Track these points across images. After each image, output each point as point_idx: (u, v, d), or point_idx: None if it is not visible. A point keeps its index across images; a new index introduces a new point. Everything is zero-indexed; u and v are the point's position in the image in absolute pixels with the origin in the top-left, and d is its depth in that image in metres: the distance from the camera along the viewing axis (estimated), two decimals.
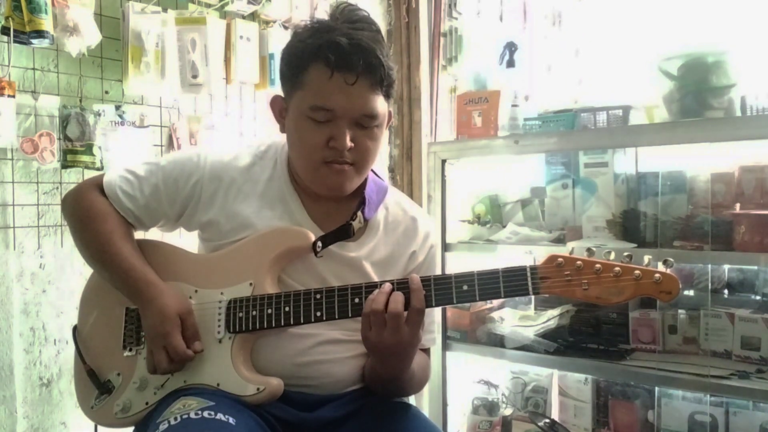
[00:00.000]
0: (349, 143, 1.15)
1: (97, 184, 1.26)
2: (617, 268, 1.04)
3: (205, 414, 1.03)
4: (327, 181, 1.19)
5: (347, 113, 1.14)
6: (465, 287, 1.09)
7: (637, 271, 1.03)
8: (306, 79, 1.15)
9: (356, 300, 1.11)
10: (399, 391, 1.25)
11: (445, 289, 1.10)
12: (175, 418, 1.02)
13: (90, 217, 1.24)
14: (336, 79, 1.12)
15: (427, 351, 1.35)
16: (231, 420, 1.03)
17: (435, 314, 1.38)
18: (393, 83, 1.20)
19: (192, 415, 1.02)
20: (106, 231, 1.22)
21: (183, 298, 1.18)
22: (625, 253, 1.06)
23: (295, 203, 1.25)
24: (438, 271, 1.37)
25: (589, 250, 1.07)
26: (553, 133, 2.08)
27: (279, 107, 1.25)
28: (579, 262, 1.06)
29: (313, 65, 1.14)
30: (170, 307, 1.14)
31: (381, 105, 1.18)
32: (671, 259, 1.04)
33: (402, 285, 1.10)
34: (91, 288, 1.31)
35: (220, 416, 1.03)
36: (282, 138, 1.29)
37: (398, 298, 1.08)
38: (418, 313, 1.08)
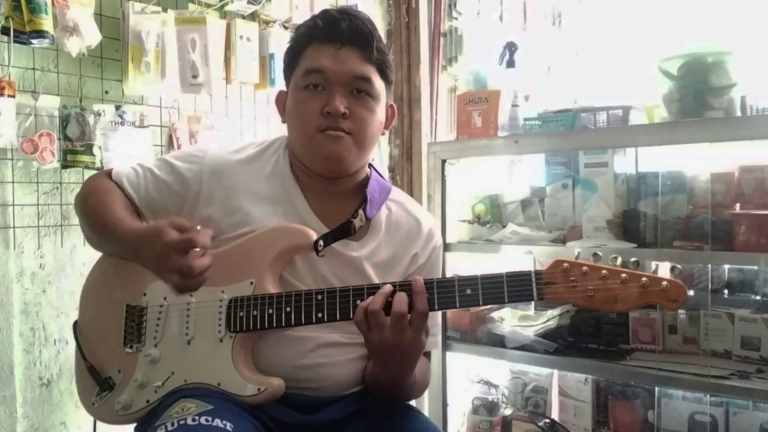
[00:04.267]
0: (342, 108, 1.17)
1: (107, 173, 1.29)
2: (624, 275, 1.02)
3: (203, 420, 1.02)
4: (323, 149, 1.19)
5: (339, 76, 1.18)
6: (468, 291, 1.08)
7: (644, 279, 1.01)
8: (301, 57, 1.22)
9: (358, 302, 1.10)
10: (399, 397, 1.24)
11: (448, 293, 1.09)
12: (172, 424, 1.01)
13: (94, 192, 1.25)
14: (326, 45, 1.20)
15: (428, 354, 1.34)
16: (229, 426, 1.02)
17: (438, 317, 1.38)
18: (387, 63, 1.24)
19: (189, 421, 1.02)
20: (107, 200, 1.22)
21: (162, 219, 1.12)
22: (632, 260, 1.04)
23: (299, 199, 1.25)
24: (440, 273, 1.36)
25: (595, 255, 1.05)
26: (553, 133, 2.08)
27: (282, 102, 1.28)
28: (585, 268, 1.04)
29: (308, 44, 1.22)
30: (155, 228, 1.08)
31: (375, 76, 1.21)
32: (679, 266, 1.02)
33: (404, 287, 1.09)
34: (92, 284, 1.31)
35: (217, 422, 1.02)
36: (283, 134, 1.29)
37: (403, 298, 1.07)
38: (421, 316, 1.07)
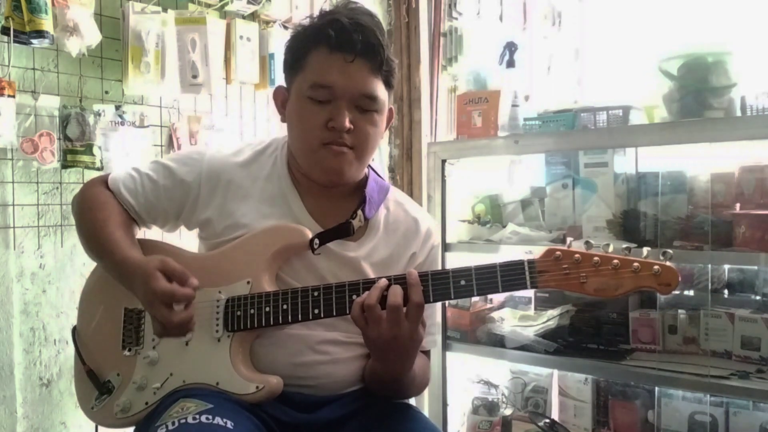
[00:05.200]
0: (348, 124, 1.15)
1: (103, 181, 1.29)
2: (615, 261, 1.03)
3: (203, 418, 1.02)
4: (325, 163, 1.19)
5: (346, 92, 1.15)
6: (462, 282, 1.09)
7: (635, 264, 1.02)
8: (307, 62, 1.18)
9: (354, 297, 1.11)
10: (400, 394, 1.25)
11: (442, 284, 1.09)
12: (173, 423, 1.02)
13: (90, 206, 1.25)
14: (336, 57, 1.15)
15: (427, 353, 1.34)
16: (229, 424, 1.03)
17: (436, 315, 1.38)
18: (393, 72, 1.21)
19: (189, 420, 1.02)
20: (101, 217, 1.23)
21: (155, 256, 1.13)
22: (624, 246, 1.05)
23: (295, 200, 1.25)
24: None
25: (587, 243, 1.06)
26: (553, 133, 2.08)
27: (281, 98, 1.26)
28: (577, 255, 1.05)
29: (315, 47, 1.17)
30: (146, 269, 1.10)
31: (381, 90, 1.19)
32: (670, 251, 1.03)
33: (399, 280, 1.09)
34: (90, 288, 1.31)
35: (218, 420, 1.03)
36: (282, 135, 1.29)
37: (397, 290, 1.07)
38: (417, 307, 1.07)
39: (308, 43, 1.18)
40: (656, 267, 1.02)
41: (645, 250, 1.05)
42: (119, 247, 1.19)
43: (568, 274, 1.05)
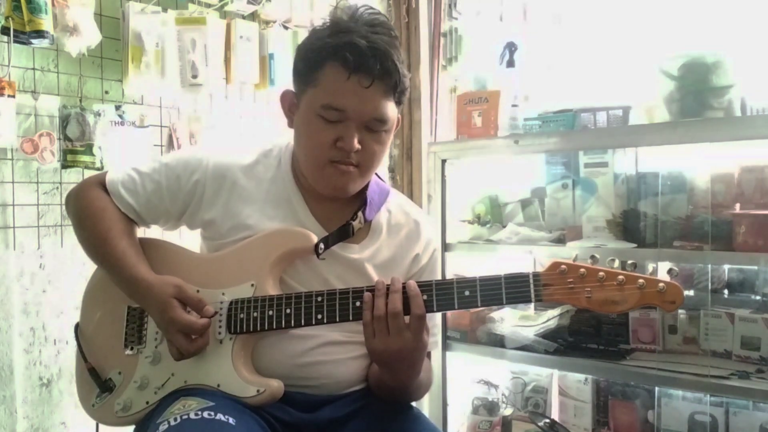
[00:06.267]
0: (356, 145, 1.15)
1: (100, 182, 1.27)
2: (621, 277, 1.03)
3: (205, 414, 1.03)
4: (331, 180, 1.19)
5: (358, 116, 1.15)
6: (467, 293, 1.09)
7: (641, 280, 1.02)
8: (321, 77, 1.15)
9: (357, 303, 1.11)
10: (407, 398, 1.25)
11: (446, 295, 1.09)
12: (175, 419, 1.02)
13: (89, 214, 1.24)
14: (352, 81, 1.13)
15: (428, 355, 1.34)
16: (231, 420, 1.03)
17: (436, 316, 1.38)
18: (405, 90, 1.20)
19: (192, 416, 1.02)
20: (102, 229, 1.22)
21: (169, 280, 1.16)
22: (629, 261, 1.05)
23: (299, 203, 1.25)
24: (439, 276, 1.36)
25: (593, 257, 1.06)
26: (553, 133, 2.08)
27: (289, 102, 1.24)
28: (582, 270, 1.05)
29: (330, 64, 1.14)
30: (162, 295, 1.14)
31: (392, 110, 1.18)
32: (676, 269, 1.04)
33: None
34: (94, 286, 1.31)
35: (219, 416, 1.03)
36: (286, 138, 1.29)
37: (396, 297, 1.08)
38: (418, 318, 1.08)
39: (324, 57, 1.15)
40: (661, 284, 1.02)
41: (650, 266, 1.05)
42: (126, 263, 1.19)
43: (573, 288, 1.05)
